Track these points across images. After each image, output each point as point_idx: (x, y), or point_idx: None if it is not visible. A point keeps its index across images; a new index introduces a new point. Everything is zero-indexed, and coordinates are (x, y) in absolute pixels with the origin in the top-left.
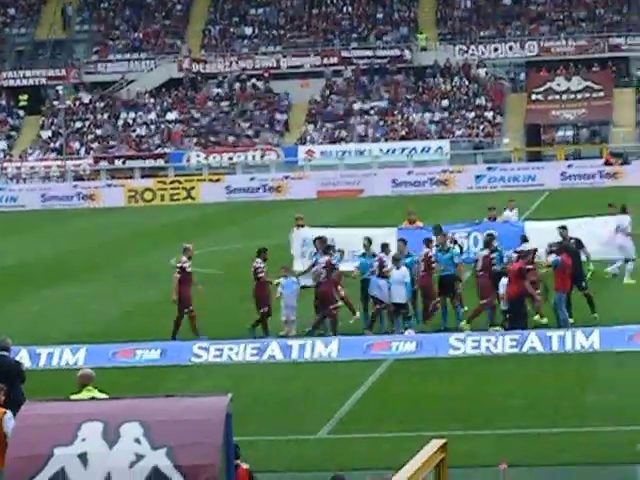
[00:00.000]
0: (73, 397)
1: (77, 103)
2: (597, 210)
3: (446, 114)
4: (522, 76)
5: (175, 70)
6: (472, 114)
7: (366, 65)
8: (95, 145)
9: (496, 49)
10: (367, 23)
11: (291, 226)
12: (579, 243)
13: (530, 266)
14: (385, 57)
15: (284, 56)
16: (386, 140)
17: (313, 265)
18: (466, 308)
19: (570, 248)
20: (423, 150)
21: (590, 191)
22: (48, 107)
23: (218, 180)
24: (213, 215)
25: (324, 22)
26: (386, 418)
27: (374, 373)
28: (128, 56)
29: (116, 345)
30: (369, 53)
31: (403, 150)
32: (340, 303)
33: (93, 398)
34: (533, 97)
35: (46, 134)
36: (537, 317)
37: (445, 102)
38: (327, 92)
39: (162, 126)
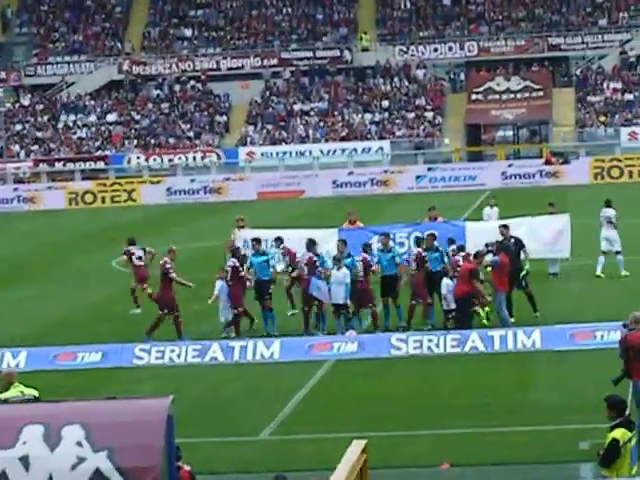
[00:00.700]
0: (2, 396)
1: (17, 106)
2: (538, 209)
3: (386, 115)
4: (462, 76)
5: (115, 72)
6: (412, 114)
7: (306, 66)
8: (35, 148)
9: (436, 49)
10: (307, 24)
11: (232, 227)
12: (519, 242)
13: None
14: (325, 58)
15: (224, 57)
16: (326, 141)
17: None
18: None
19: (508, 247)
20: (364, 151)
21: (531, 190)
22: None
23: (159, 182)
24: (154, 217)
25: (264, 23)
26: (328, 419)
27: (316, 374)
28: (68, 58)
29: (57, 348)
30: (309, 54)
31: (344, 151)
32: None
33: (22, 393)
34: (473, 97)
35: None
36: (478, 308)
37: (385, 103)
38: (267, 93)
39: (102, 128)
